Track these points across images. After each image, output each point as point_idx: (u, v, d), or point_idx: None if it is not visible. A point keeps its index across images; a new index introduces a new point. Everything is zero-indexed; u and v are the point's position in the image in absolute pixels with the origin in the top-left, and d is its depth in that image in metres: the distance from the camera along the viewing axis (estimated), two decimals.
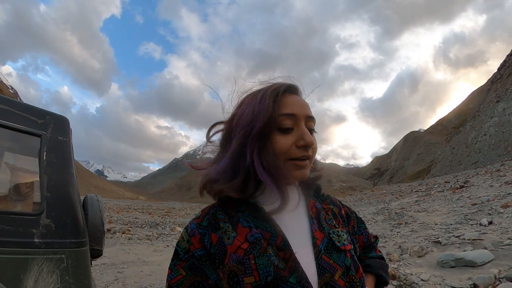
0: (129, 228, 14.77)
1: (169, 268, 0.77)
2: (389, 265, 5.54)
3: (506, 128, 44.16)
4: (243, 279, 0.67)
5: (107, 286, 5.76)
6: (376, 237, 1.04)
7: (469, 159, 46.49)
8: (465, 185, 16.30)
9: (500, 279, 3.94)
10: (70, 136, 1.64)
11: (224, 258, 0.71)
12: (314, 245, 0.76)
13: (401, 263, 5.95)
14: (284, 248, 0.72)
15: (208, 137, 0.88)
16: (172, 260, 0.77)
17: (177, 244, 0.79)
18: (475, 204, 10.54)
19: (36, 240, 1.34)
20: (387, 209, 17.21)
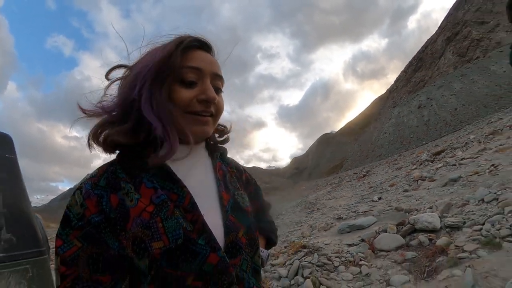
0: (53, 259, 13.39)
1: (59, 238, 0.64)
2: (301, 240, 6.37)
3: (401, 127, 51.53)
4: (151, 244, 0.62)
5: None
6: (269, 204, 1.08)
7: (374, 153, 52.98)
8: (367, 174, 18.80)
9: (379, 232, 4.92)
10: (15, 153, 1.70)
11: (127, 223, 0.64)
12: (222, 206, 0.75)
13: (311, 237, 6.78)
14: (191, 210, 0.69)
15: (107, 77, 0.79)
16: (63, 228, 0.65)
17: (67, 208, 0.66)
18: (371, 187, 12.46)
19: (0, 254, 1.37)
20: (304, 201, 18.83)
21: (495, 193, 4.70)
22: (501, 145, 8.89)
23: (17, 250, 1.43)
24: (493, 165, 6.66)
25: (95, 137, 0.71)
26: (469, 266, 3.02)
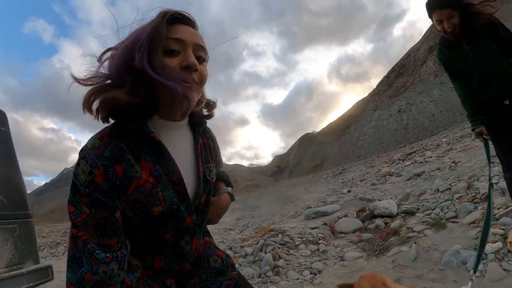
0: None
1: (72, 204, 0.71)
2: (271, 225, 6.59)
3: (380, 130, 52.69)
4: (152, 209, 0.76)
5: None
6: (222, 160, 1.24)
7: (354, 154, 53.99)
8: (343, 171, 19.31)
9: (340, 217, 5.15)
10: (8, 127, 1.83)
11: (128, 190, 0.74)
12: (198, 178, 0.89)
13: (280, 223, 7.01)
14: (178, 183, 0.82)
15: (100, 59, 0.82)
16: (74, 195, 0.72)
17: (75, 177, 0.73)
18: (343, 182, 12.89)
19: None
20: (281, 196, 19.16)
21: (449, 184, 5.01)
22: (466, 146, 9.37)
23: (7, 211, 1.60)
24: (453, 162, 7.04)
25: (87, 104, 0.76)
26: (414, 243, 3.25)
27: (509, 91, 2.18)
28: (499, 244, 2.55)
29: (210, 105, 0.99)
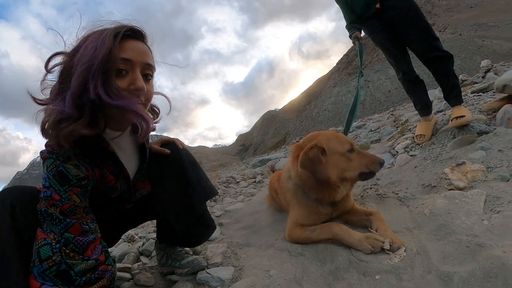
0: None
1: (57, 193, 0.86)
2: (233, 186, 6.73)
3: (339, 105, 54.27)
4: (110, 196, 1.09)
5: None
6: None
7: (314, 129, 55.48)
8: (300, 139, 20.18)
9: (280, 159, 5.33)
10: None
11: (98, 184, 1.01)
12: (141, 170, 1.21)
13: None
14: (127, 179, 1.11)
15: (47, 68, 0.87)
16: (62, 185, 0.87)
17: (65, 169, 0.87)
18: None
19: None
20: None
21: (381, 124, 5.36)
22: (406, 107, 10.02)
23: None
24: (392, 113, 7.49)
25: (46, 133, 0.86)
26: None
27: None
28: (408, 141, 2.86)
29: (155, 112, 1.15)
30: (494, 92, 3.24)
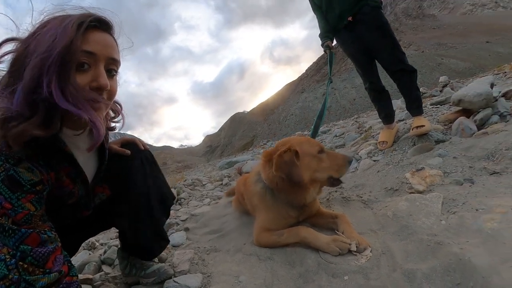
0: None
1: (8, 201, 0.73)
2: (199, 189, 6.62)
3: (306, 111, 55.69)
4: (67, 202, 0.98)
5: None
6: None
7: (281, 132, 56.52)
8: (267, 143, 20.38)
9: (247, 162, 5.34)
10: None
11: (53, 189, 0.89)
12: (99, 173, 1.11)
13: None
14: (85, 183, 1.02)
15: None
16: (13, 192, 0.74)
17: (17, 174, 0.75)
18: (263, 149, 13.70)
19: None
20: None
21: (345, 129, 5.55)
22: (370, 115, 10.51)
23: None
24: (356, 121, 7.78)
25: (3, 134, 0.72)
26: None
27: (349, 7, 2.53)
28: (371, 147, 2.99)
29: (116, 110, 1.07)
30: (450, 105, 3.51)
